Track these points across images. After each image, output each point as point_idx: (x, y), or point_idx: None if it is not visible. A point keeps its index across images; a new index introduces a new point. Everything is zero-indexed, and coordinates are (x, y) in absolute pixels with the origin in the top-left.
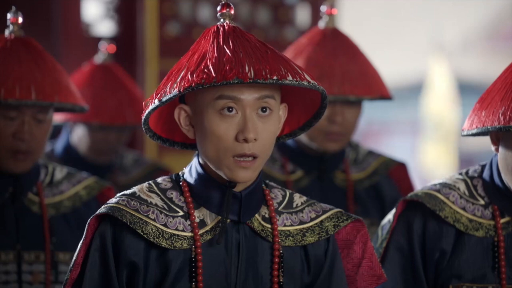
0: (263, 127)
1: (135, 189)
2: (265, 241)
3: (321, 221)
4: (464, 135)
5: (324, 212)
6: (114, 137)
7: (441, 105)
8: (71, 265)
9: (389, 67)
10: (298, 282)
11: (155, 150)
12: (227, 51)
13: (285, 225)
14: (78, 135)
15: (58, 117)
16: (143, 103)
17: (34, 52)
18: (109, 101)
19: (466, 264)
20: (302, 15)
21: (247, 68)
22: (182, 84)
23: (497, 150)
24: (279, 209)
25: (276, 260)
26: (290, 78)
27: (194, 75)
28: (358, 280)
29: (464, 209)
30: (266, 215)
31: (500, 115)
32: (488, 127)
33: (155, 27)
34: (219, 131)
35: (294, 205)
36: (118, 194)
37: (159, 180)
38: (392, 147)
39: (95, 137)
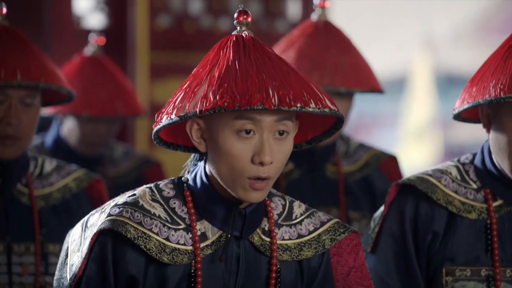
0: (279, 149)
1: (137, 195)
2: (263, 255)
3: (319, 235)
4: (455, 115)
5: (322, 224)
6: (104, 129)
7: (420, 99)
8: (71, 278)
9: (380, 61)
10: None
11: (146, 144)
12: (251, 72)
13: (283, 239)
14: (68, 128)
15: (48, 110)
16: (156, 114)
17: (18, 39)
18: (99, 93)
19: (458, 247)
20: (293, 7)
21: (271, 93)
22: (204, 104)
23: (488, 131)
24: (279, 221)
25: (273, 275)
26: (313, 105)
27: (218, 97)
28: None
29: (456, 192)
30: (266, 228)
31: (491, 88)
32: (480, 100)
33: (145, 19)
34: (235, 152)
35: (294, 217)
36: (121, 202)
37: (161, 185)
38: (384, 140)
39: (85, 129)
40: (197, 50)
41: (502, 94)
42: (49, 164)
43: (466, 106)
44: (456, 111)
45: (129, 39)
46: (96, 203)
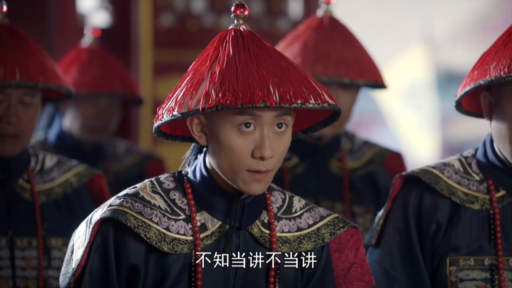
0: (278, 143)
1: (138, 187)
2: (262, 247)
3: (318, 228)
4: (457, 103)
5: (322, 218)
6: (104, 112)
7: (420, 95)
8: (73, 268)
9: (380, 58)
10: None
11: (150, 140)
12: (251, 69)
13: (283, 231)
14: (70, 118)
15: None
16: (157, 109)
17: (18, 37)
18: (96, 72)
19: (462, 236)
20: (295, 6)
21: (272, 90)
22: (207, 101)
23: (490, 119)
24: (278, 214)
25: (273, 267)
26: (312, 101)
27: (220, 95)
28: (347, 283)
29: (459, 183)
30: (265, 221)
31: (492, 69)
32: (480, 81)
33: (149, 18)
34: (236, 147)
35: (293, 210)
36: (122, 194)
37: (162, 178)
38: (384, 137)
39: (86, 114)
40: (199, 48)
41: (502, 74)
42: (50, 160)
43: (467, 89)
44: (458, 96)
45: (132, 37)
46: (97, 197)
